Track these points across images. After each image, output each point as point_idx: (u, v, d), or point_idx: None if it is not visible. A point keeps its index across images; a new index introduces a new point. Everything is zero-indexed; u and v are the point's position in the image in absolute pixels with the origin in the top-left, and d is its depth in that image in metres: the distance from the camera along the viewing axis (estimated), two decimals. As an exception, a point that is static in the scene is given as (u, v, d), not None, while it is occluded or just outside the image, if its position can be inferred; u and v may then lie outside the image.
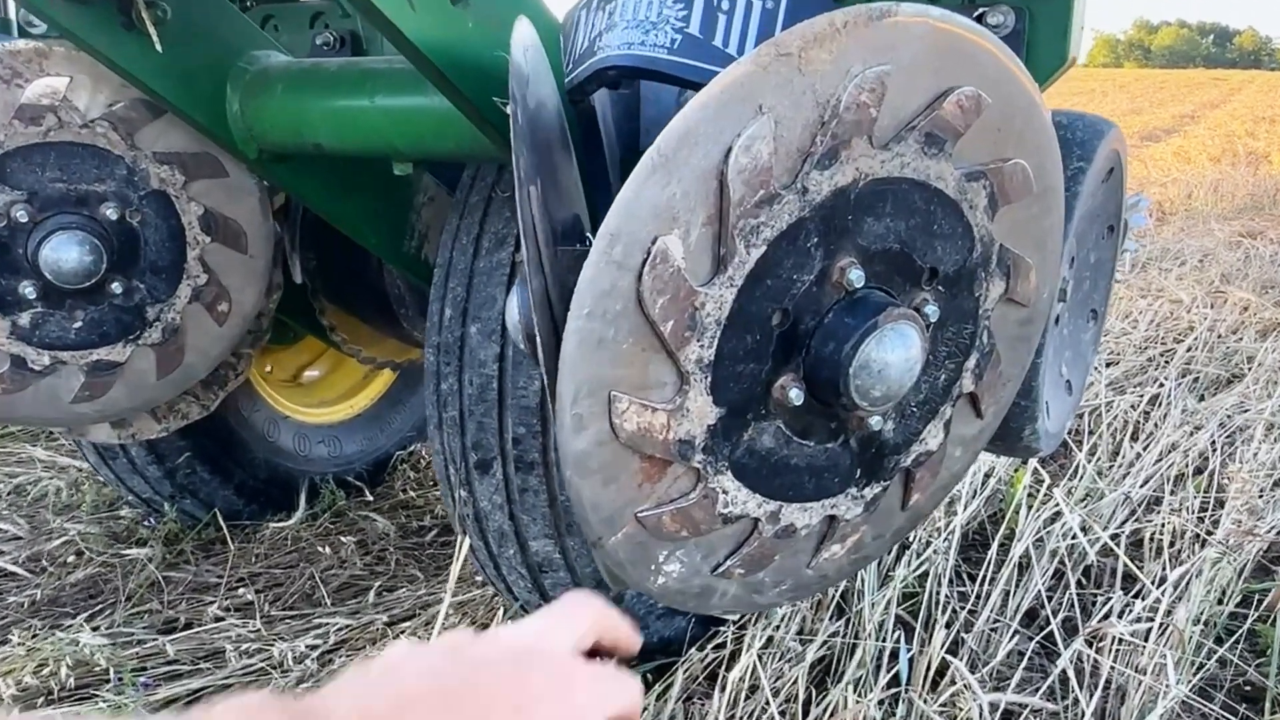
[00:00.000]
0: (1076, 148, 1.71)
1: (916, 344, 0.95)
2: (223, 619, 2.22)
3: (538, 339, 0.85)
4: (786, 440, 0.98)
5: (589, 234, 1.02)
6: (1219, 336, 4.06)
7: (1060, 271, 1.14)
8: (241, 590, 2.35)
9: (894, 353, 0.92)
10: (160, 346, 1.73)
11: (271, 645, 2.10)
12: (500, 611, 2.00)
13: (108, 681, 1.97)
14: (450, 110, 1.26)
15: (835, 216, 0.90)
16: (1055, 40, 1.39)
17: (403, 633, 2.15)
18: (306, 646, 2.11)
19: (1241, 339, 4.05)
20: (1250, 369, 3.64)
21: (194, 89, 1.52)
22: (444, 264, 1.66)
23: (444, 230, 1.67)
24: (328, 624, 2.22)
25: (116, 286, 1.65)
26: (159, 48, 1.41)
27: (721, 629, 1.96)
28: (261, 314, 2.01)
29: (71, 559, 2.46)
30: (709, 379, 0.89)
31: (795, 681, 1.80)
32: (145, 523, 2.58)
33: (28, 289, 1.60)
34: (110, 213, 1.62)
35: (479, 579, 2.26)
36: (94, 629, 2.15)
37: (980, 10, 1.36)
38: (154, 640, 2.12)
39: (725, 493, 0.96)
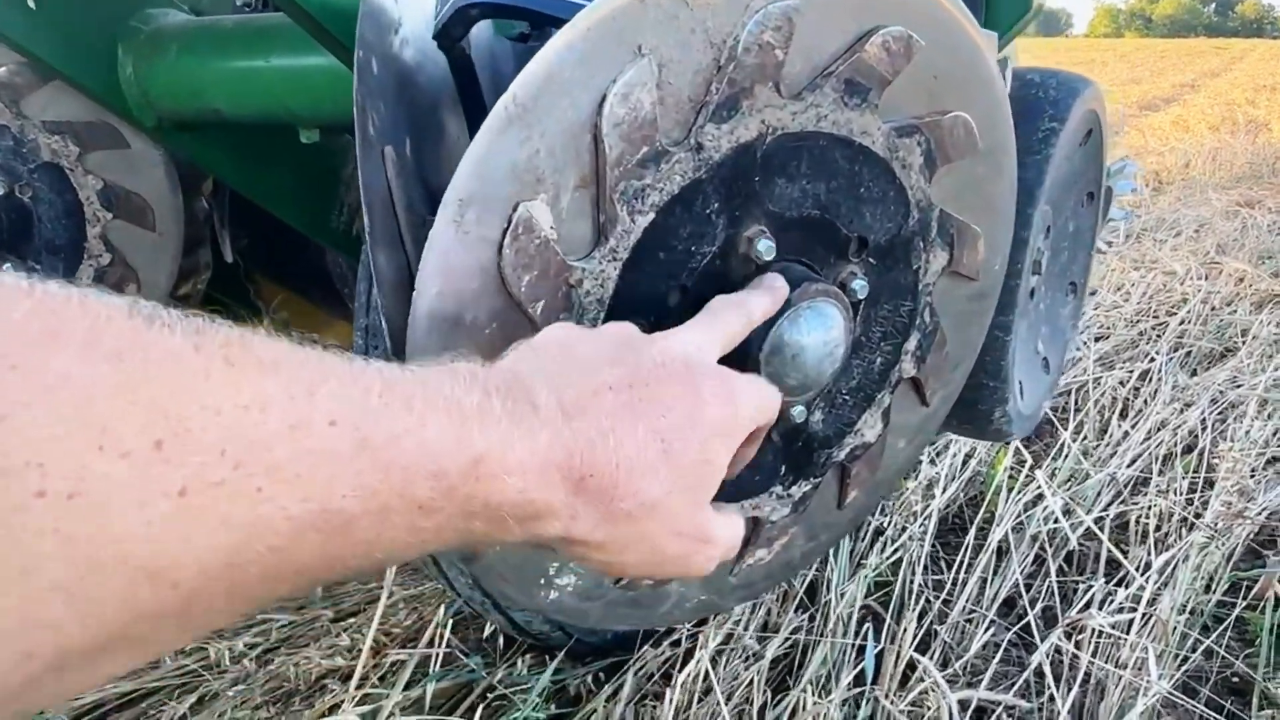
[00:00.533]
0: (1049, 106, 1.58)
1: (839, 324, 0.82)
2: (159, 617, 2.11)
3: (383, 326, 0.73)
4: (695, 435, 0.86)
5: None
6: (1213, 309, 3.93)
7: (1009, 240, 1.01)
8: (182, 585, 2.24)
9: (810, 335, 0.80)
10: (64, 332, 1.61)
11: (209, 644, 2.00)
12: (443, 608, 1.89)
13: (30, 686, 1.86)
14: (347, 71, 1.13)
15: (739, 178, 0.77)
16: (1018, -14, 1.27)
17: (346, 630, 2.04)
18: (246, 645, 2.00)
19: (1236, 311, 3.92)
20: (1244, 342, 3.51)
21: (80, 51, 1.39)
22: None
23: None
24: (271, 620, 2.10)
25: (8, 267, 1.53)
26: (32, 4, 1.28)
27: (679, 625, 1.85)
28: (189, 295, 1.89)
29: None
30: (595, 368, 0.77)
31: (751, 684, 1.69)
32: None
33: (-90, 272, 1.48)
34: (-3, 188, 1.50)
35: (426, 573, 2.15)
36: (20, 630, 2.04)
37: (936, -48, 1.23)
38: (83, 641, 2.01)
39: (624, 496, 0.84)
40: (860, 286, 0.87)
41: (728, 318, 0.72)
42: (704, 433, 0.60)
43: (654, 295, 0.78)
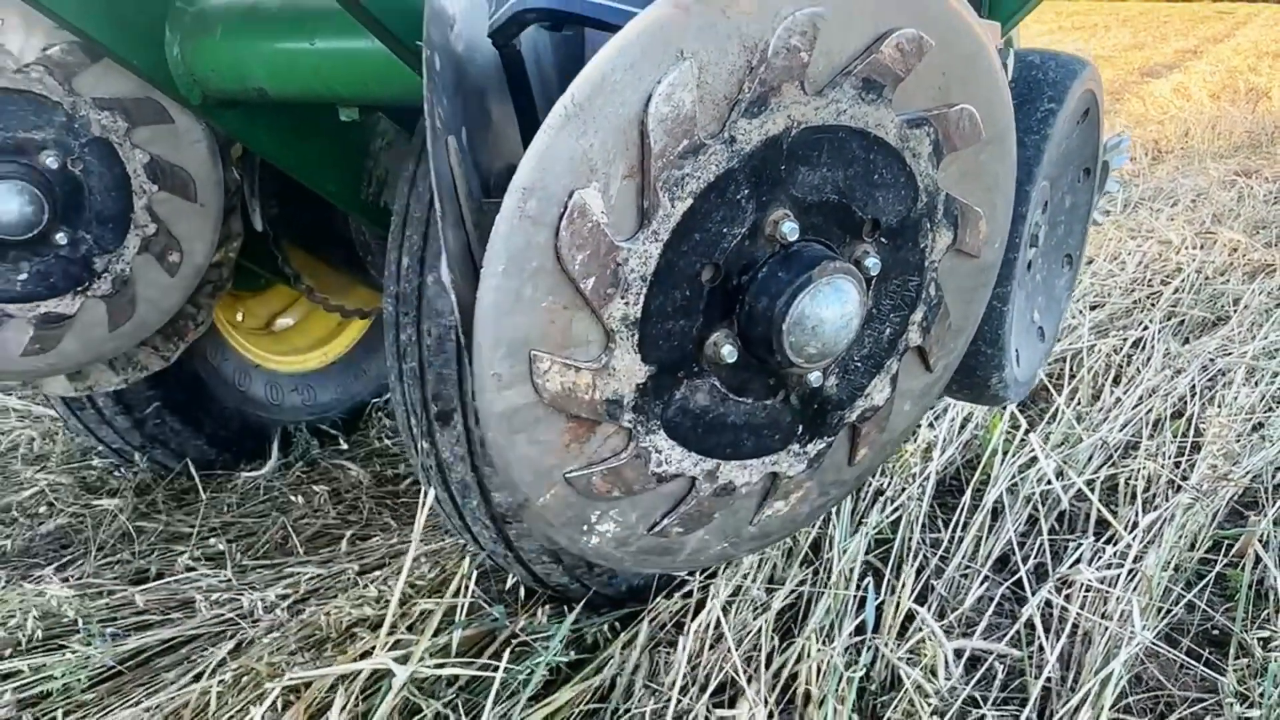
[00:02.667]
0: (1048, 88, 1.66)
1: (854, 298, 0.91)
2: (194, 569, 2.22)
3: (453, 298, 0.82)
4: (722, 398, 0.96)
5: None
6: (1206, 278, 4.02)
7: (1009, 220, 1.10)
8: (213, 540, 2.34)
9: (829, 308, 0.89)
10: (111, 298, 1.70)
11: (242, 595, 2.10)
12: (467, 560, 1.99)
13: (76, 632, 1.97)
14: (390, 53, 1.21)
15: (767, 167, 0.86)
16: (1021, -23, 1.34)
17: (373, 581, 2.15)
18: (277, 596, 2.11)
19: (1229, 281, 4.01)
20: (1235, 311, 3.61)
21: (129, 31, 1.46)
22: (401, 212, 1.62)
23: (401, 177, 1.62)
24: (299, 573, 2.21)
25: (61, 237, 1.61)
26: (88, -14, 1.36)
27: (691, 577, 1.96)
28: (221, 263, 1.98)
29: (42, 510, 2.45)
30: (636, 336, 0.86)
31: (760, 631, 1.79)
32: (116, 473, 2.57)
33: (-32, 241, 1.56)
34: (50, 161, 1.57)
35: (448, 527, 2.25)
36: (63, 580, 2.14)
37: (943, -55, 1.31)
38: (124, 591, 2.12)
39: (659, 452, 0.94)
40: (873, 264, 0.96)
41: None
42: None
43: (690, 271, 0.87)
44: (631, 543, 1.00)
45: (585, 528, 0.95)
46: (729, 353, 0.91)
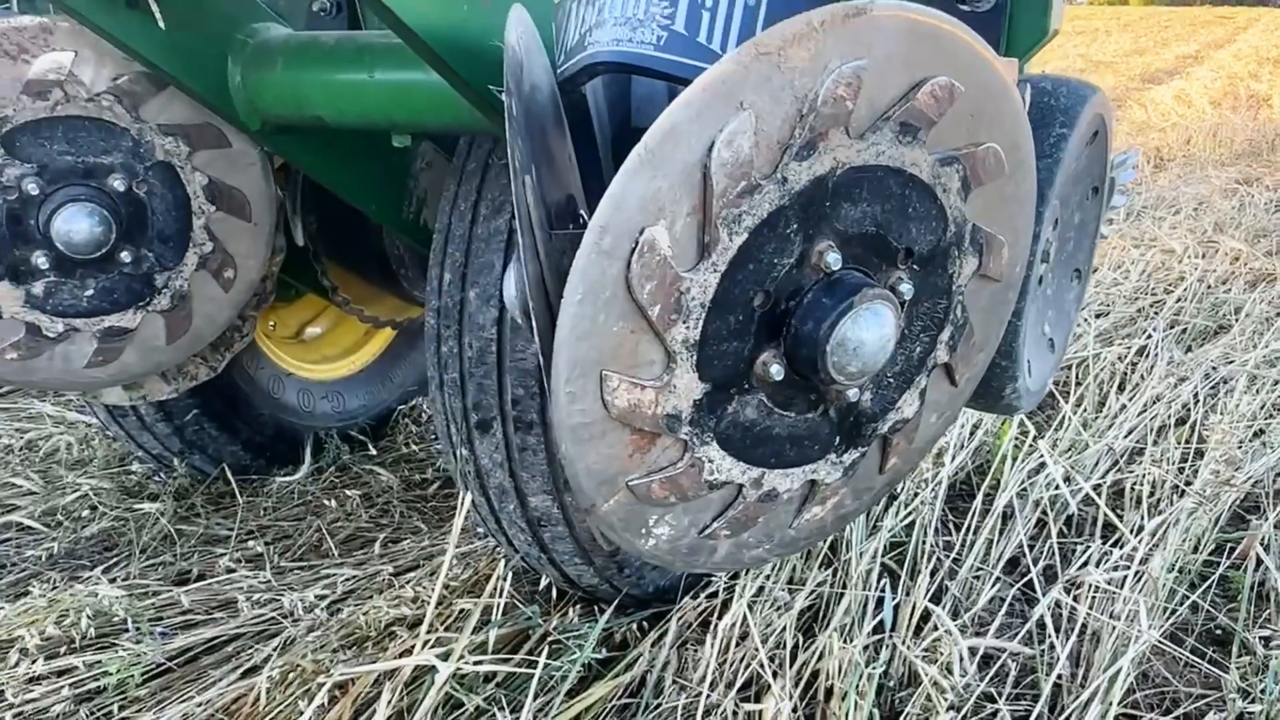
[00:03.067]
0: (1060, 114, 1.75)
1: (890, 322, 1.00)
2: (234, 570, 2.31)
3: (533, 321, 0.91)
4: (768, 412, 1.05)
5: (584, 212, 1.07)
6: (1209, 287, 4.11)
7: (1029, 246, 1.19)
8: (251, 542, 2.43)
9: (869, 331, 0.98)
10: (169, 312, 1.79)
11: (282, 595, 2.19)
12: (501, 563, 2.08)
13: (126, 630, 2.06)
14: (449, 87, 1.30)
15: (814, 203, 0.95)
16: (1036, 14, 1.43)
17: (408, 582, 2.24)
18: (315, 596, 2.20)
19: (1231, 289, 4.10)
20: (1237, 320, 3.69)
21: (196, 63, 1.55)
22: (443, 229, 1.70)
23: (442, 196, 1.71)
24: (335, 574, 2.30)
25: (126, 255, 1.70)
26: (160, 23, 1.45)
27: (714, 579, 2.05)
28: (265, 277, 2.07)
29: (86, 513, 2.54)
30: (695, 357, 0.95)
31: (784, 629, 1.88)
32: (156, 478, 2.66)
33: (40, 259, 1.65)
34: (118, 184, 1.66)
35: (480, 531, 2.34)
36: (111, 581, 2.23)
37: (963, -15, 1.40)
38: (169, 591, 2.21)
39: (711, 461, 1.03)
40: (907, 289, 1.05)
41: None
42: None
43: (743, 298, 0.96)
44: (683, 544, 1.09)
45: (643, 530, 1.04)
46: (776, 371, 1.00)
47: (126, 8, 1.44)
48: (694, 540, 1.09)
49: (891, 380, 1.13)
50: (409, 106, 1.48)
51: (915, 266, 1.07)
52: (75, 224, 1.61)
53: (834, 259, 0.98)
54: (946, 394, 1.22)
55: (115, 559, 2.37)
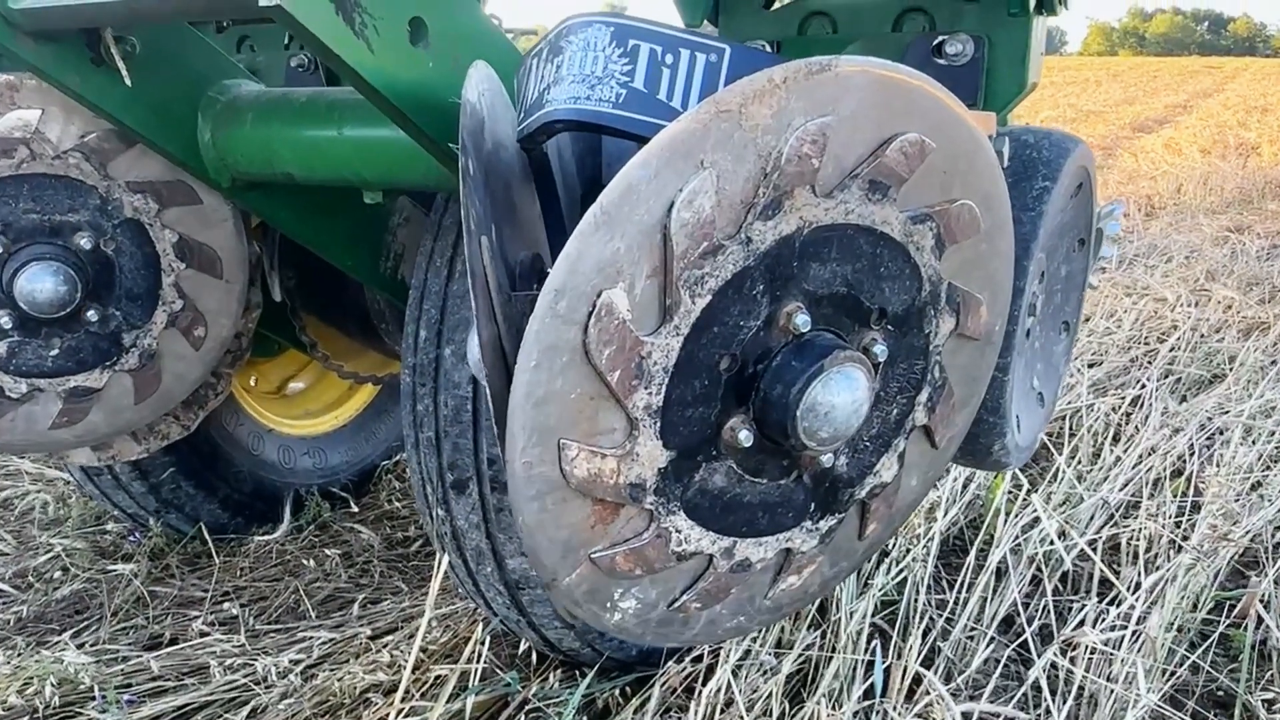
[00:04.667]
0: (1042, 166, 1.73)
1: (863, 385, 0.97)
2: (207, 634, 2.24)
3: (486, 390, 0.87)
4: (738, 479, 1.00)
5: (549, 270, 1.04)
6: (1202, 336, 4.08)
7: (1008, 303, 1.16)
8: (226, 604, 2.37)
9: (840, 395, 0.94)
10: (137, 372, 1.75)
11: (255, 660, 2.12)
12: (480, 626, 2.02)
13: (92, 699, 1.99)
14: (416, 143, 1.27)
15: (780, 264, 0.92)
16: (1014, 67, 1.41)
17: (385, 646, 2.17)
18: (290, 661, 2.13)
19: (1224, 338, 4.08)
20: (1231, 369, 3.66)
21: (165, 120, 1.53)
22: (419, 286, 1.68)
23: (419, 252, 1.68)
24: (311, 638, 2.24)
25: (92, 314, 1.67)
26: (128, 82, 1.43)
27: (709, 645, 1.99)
28: (240, 334, 2.03)
29: (58, 575, 2.48)
30: (658, 424, 0.91)
31: (770, 695, 1.82)
32: (131, 537, 2.60)
33: (3, 319, 1.62)
34: (84, 242, 1.64)
35: (461, 592, 2.28)
36: (79, 646, 2.17)
37: (939, 39, 1.38)
38: (139, 657, 2.14)
39: (678, 531, 0.99)
40: (881, 351, 1.02)
41: None
42: None
43: (708, 362, 0.92)
44: (652, 618, 1.04)
45: (609, 605, 0.99)
46: (745, 437, 0.96)
47: (92, 66, 1.42)
48: (663, 613, 1.05)
49: (868, 444, 1.09)
50: (378, 163, 1.45)
51: (889, 327, 1.03)
52: (39, 283, 1.57)
53: (803, 320, 0.94)
54: (927, 456, 1.18)
55: (85, 623, 2.31)
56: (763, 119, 0.85)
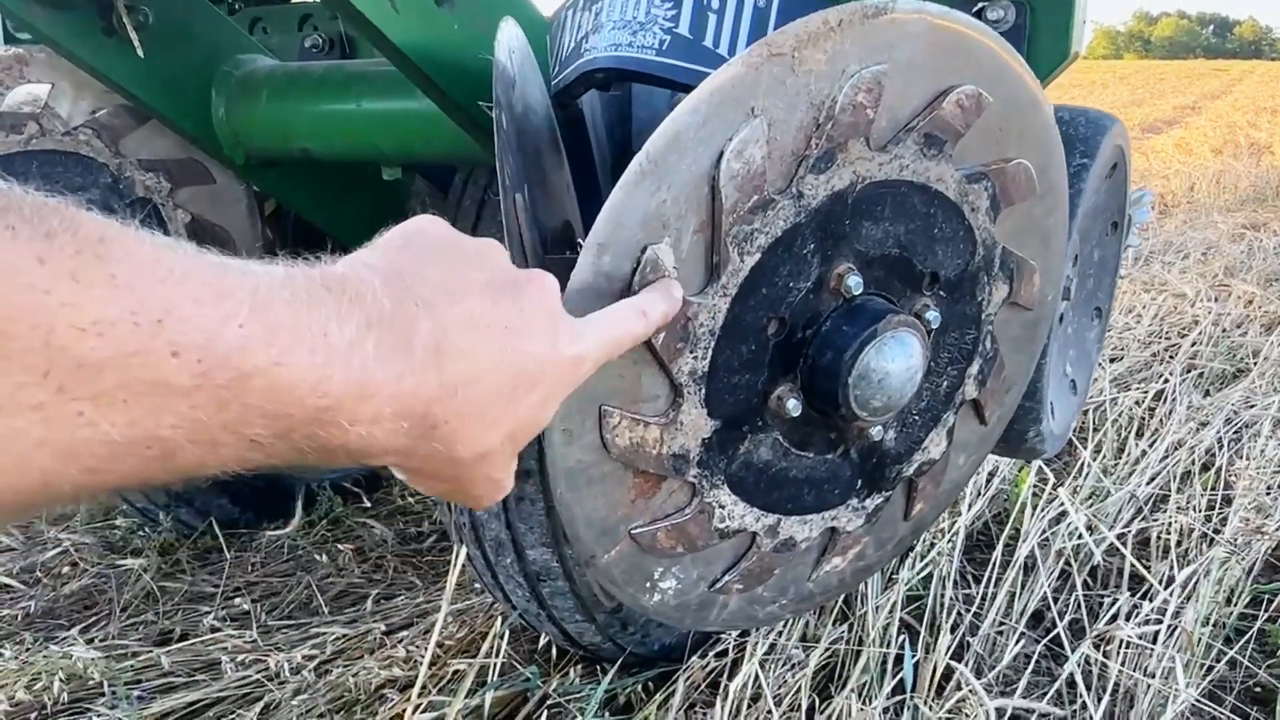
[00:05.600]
0: (1079, 144, 1.68)
1: (917, 352, 0.91)
2: (219, 629, 2.19)
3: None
4: (784, 452, 0.95)
5: (580, 239, 0.98)
6: (1223, 331, 4.02)
7: (1064, 272, 1.11)
8: (238, 600, 2.32)
9: (894, 361, 0.89)
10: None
11: (268, 656, 2.08)
12: (498, 620, 1.97)
13: (102, 695, 1.94)
14: (437, 113, 1.23)
15: (832, 222, 0.87)
16: (1057, 35, 1.36)
17: (400, 641, 2.12)
18: (303, 657, 2.08)
19: (1246, 333, 4.02)
20: (1255, 363, 3.60)
21: (178, 95, 1.49)
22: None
23: (436, 235, 1.64)
24: (325, 633, 2.19)
25: None
26: (140, 53, 1.38)
27: (725, 636, 1.94)
28: (253, 320, 1.98)
29: (66, 570, 2.44)
30: (703, 391, 0.86)
31: (798, 690, 1.77)
32: (140, 532, 2.56)
33: (12, 300, 1.57)
34: (95, 221, 1.59)
35: (477, 586, 2.23)
36: (88, 641, 2.12)
37: (980, 5, 1.33)
38: (149, 652, 2.09)
39: (722, 507, 0.93)
40: (933, 317, 0.96)
41: (624, 315, 0.73)
42: (545, 387, 0.61)
43: (756, 326, 0.87)
44: (692, 600, 0.99)
45: (648, 585, 0.94)
46: (793, 406, 0.91)
47: (104, 36, 1.38)
48: (704, 595, 0.99)
49: (917, 418, 1.04)
50: (397, 135, 1.41)
51: (942, 293, 0.98)
52: (48, 263, 1.53)
53: (855, 283, 0.89)
54: (976, 433, 1.13)
55: (94, 618, 2.26)
56: (817, 64, 0.80)
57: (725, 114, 0.78)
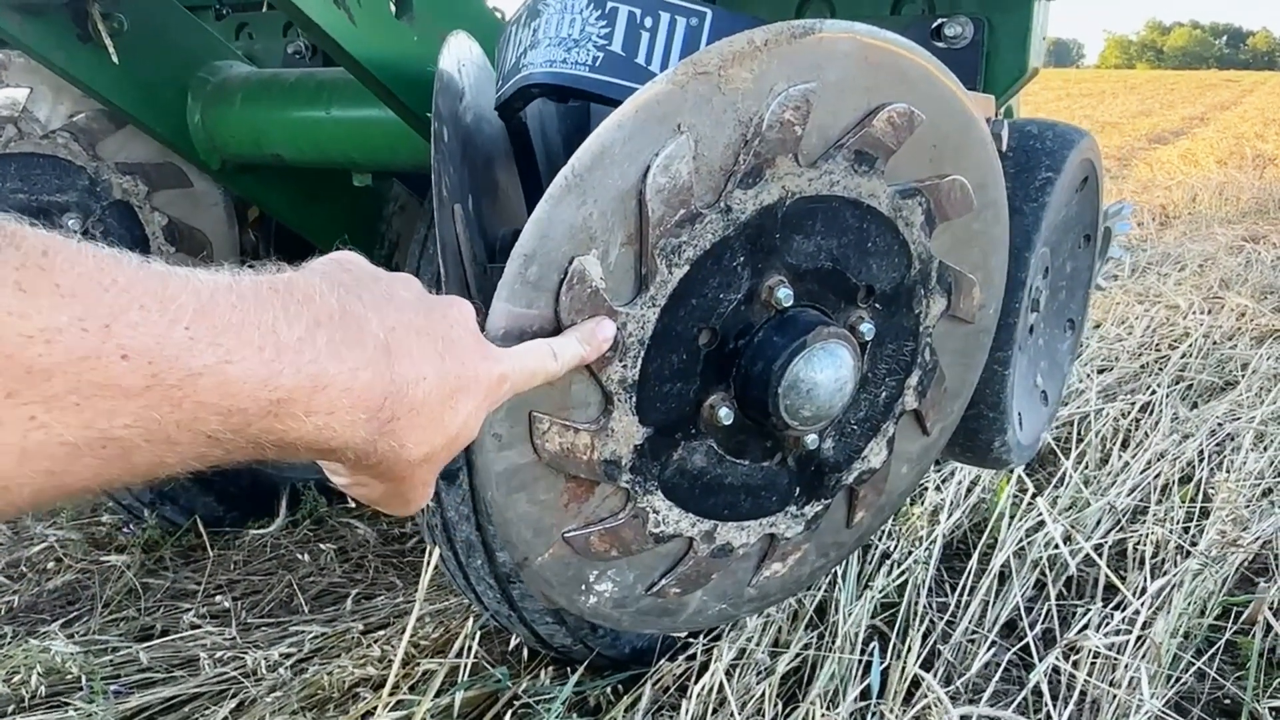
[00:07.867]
0: (1045, 157, 1.69)
1: (848, 363, 0.93)
2: (199, 626, 2.22)
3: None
4: (720, 459, 0.97)
5: None
6: (1214, 343, 4.02)
7: (1003, 289, 1.13)
8: (219, 597, 2.34)
9: (823, 372, 0.91)
10: (126, 356, 1.73)
11: (246, 653, 2.10)
12: (471, 620, 1.99)
13: (79, 689, 1.97)
14: (402, 122, 1.25)
15: (762, 235, 0.89)
16: (1015, 51, 1.38)
17: (377, 641, 2.15)
18: (280, 655, 2.11)
19: (1237, 346, 4.02)
20: (1244, 376, 3.61)
21: (154, 100, 1.52)
22: (411, 273, 1.65)
23: (413, 240, 1.66)
24: (303, 632, 2.21)
25: None
26: (115, 59, 1.41)
27: (694, 640, 1.95)
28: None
29: (50, 565, 2.47)
30: (634, 399, 0.88)
31: (764, 696, 1.78)
32: (125, 529, 2.58)
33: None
34: (73, 224, 1.62)
35: (453, 586, 2.25)
36: (69, 636, 2.15)
37: (939, 20, 1.35)
38: (128, 648, 2.12)
39: (656, 512, 0.96)
40: (868, 329, 0.98)
41: (537, 350, 0.75)
42: (477, 398, 0.63)
43: (686, 336, 0.89)
44: (629, 603, 1.01)
45: (583, 587, 0.96)
46: (726, 415, 0.93)
47: (80, 43, 1.40)
48: (641, 598, 1.01)
49: (855, 427, 1.06)
50: (366, 144, 1.43)
51: (877, 305, 1.00)
52: (25, 264, 1.56)
53: (785, 295, 0.91)
54: (917, 443, 1.14)
55: (76, 613, 2.29)
56: (743, 82, 0.82)
57: (650, 130, 0.80)
